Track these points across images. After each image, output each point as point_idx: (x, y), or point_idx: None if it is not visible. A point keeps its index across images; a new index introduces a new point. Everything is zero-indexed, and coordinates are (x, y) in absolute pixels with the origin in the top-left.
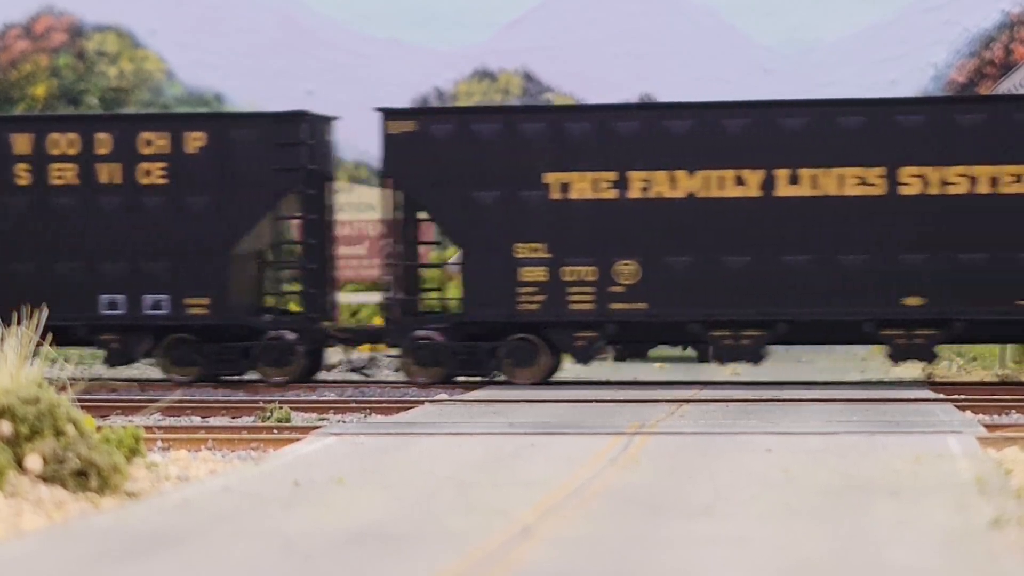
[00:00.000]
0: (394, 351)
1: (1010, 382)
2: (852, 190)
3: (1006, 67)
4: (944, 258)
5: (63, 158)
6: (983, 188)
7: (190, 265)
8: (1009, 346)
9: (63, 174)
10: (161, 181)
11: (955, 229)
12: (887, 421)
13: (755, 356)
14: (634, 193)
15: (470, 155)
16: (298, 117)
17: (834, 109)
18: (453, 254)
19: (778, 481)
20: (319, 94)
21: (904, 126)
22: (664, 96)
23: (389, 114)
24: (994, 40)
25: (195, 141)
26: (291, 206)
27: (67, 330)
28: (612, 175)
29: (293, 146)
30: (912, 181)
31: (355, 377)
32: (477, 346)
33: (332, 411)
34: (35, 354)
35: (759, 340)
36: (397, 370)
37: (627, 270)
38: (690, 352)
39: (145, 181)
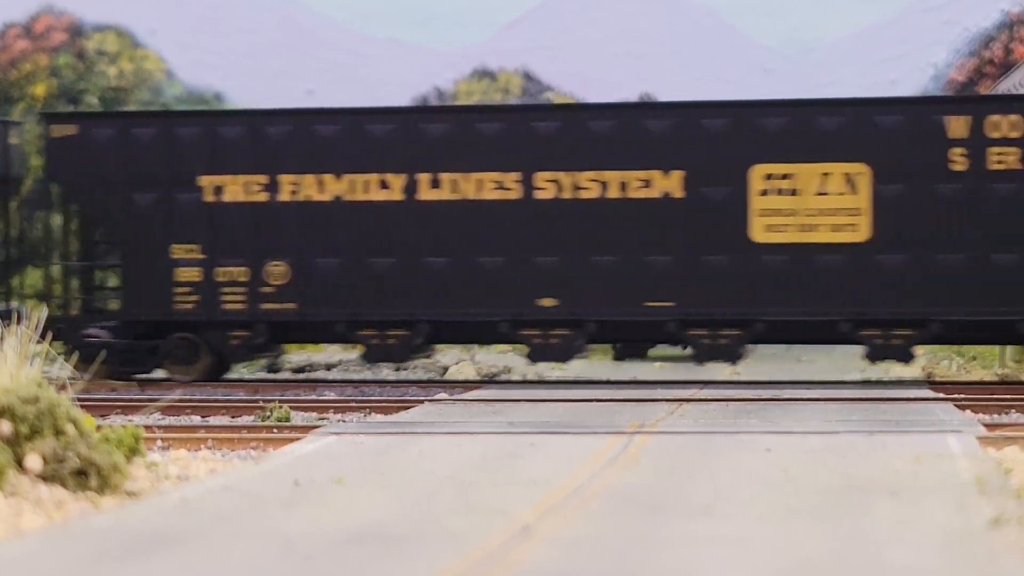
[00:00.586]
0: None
1: (1010, 381)
2: (490, 194)
3: (1006, 67)
4: (576, 260)
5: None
6: (613, 193)
7: None
8: (1009, 346)
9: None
10: None
11: (587, 232)
12: (887, 421)
13: (402, 355)
14: (284, 196)
15: (129, 158)
16: None
17: (472, 116)
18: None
19: (778, 481)
20: (319, 94)
21: (539, 132)
22: (664, 96)
23: (51, 118)
24: (994, 40)
25: None
26: None
27: None
28: (263, 178)
29: None
30: (546, 186)
31: (355, 376)
32: (137, 344)
33: (332, 410)
34: (35, 354)
35: (405, 340)
36: (397, 369)
37: (277, 271)
38: (690, 352)
39: None
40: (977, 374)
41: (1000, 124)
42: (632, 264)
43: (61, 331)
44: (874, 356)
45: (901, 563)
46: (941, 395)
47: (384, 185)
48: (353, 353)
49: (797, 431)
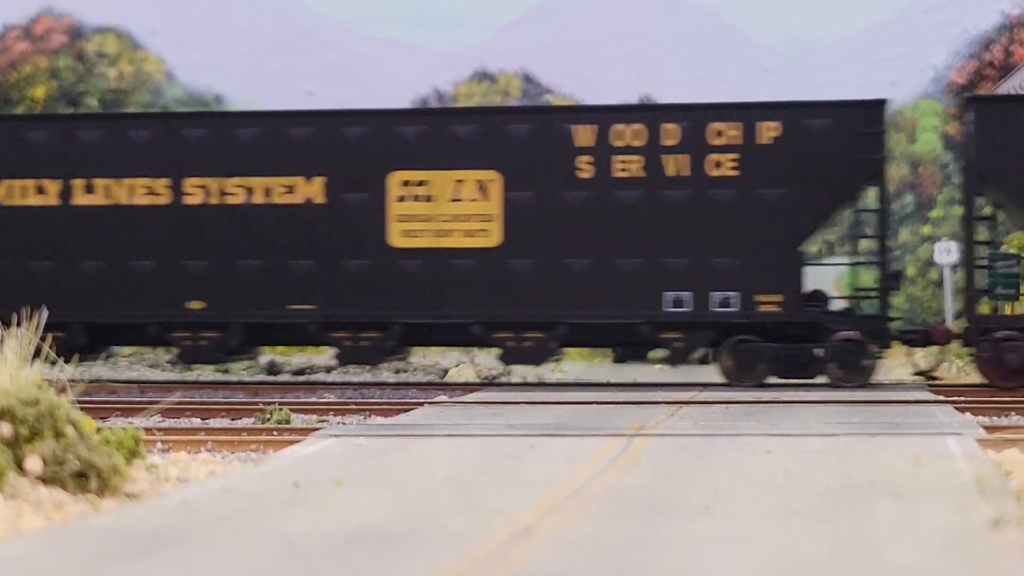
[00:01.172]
0: None
1: None
2: (141, 199)
3: (1006, 69)
4: (223, 264)
5: None
6: (258, 198)
7: None
8: None
9: None
10: None
11: (234, 237)
12: (887, 423)
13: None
14: None
15: None
16: None
17: (123, 123)
18: None
19: (778, 482)
20: (319, 94)
21: (189, 139)
22: (663, 96)
23: None
24: (994, 42)
25: None
26: None
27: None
28: None
29: None
30: (195, 191)
31: (355, 379)
32: None
33: (332, 412)
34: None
35: (64, 341)
36: (397, 371)
37: None
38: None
39: None
40: (977, 376)
41: (624, 133)
42: (276, 268)
43: None
44: (507, 359)
45: (901, 563)
46: (941, 397)
47: (41, 191)
48: None
49: (797, 433)
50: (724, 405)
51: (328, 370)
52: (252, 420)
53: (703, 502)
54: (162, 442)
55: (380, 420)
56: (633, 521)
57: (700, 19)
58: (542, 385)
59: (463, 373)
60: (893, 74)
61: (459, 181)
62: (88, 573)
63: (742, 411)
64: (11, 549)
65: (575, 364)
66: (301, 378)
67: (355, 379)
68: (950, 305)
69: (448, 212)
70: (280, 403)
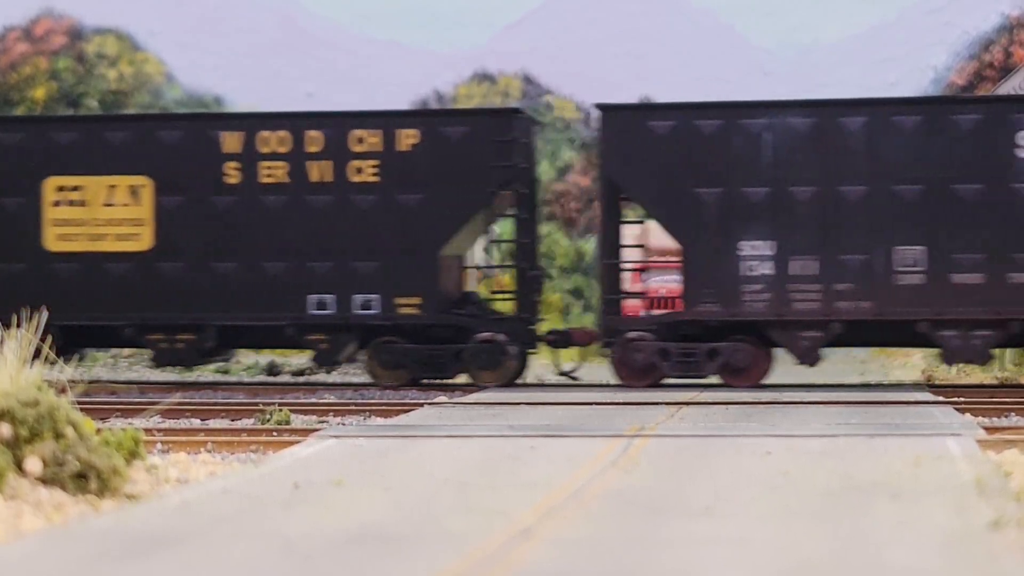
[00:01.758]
0: None
1: (1009, 384)
2: None
3: (1005, 70)
4: None
5: None
6: None
7: None
8: (1008, 349)
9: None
10: None
11: None
12: (887, 423)
13: None
14: None
15: None
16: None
17: None
18: None
19: (778, 483)
20: (319, 95)
21: None
22: (664, 96)
23: None
24: (993, 43)
25: None
26: None
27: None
28: None
29: None
30: None
31: (355, 380)
32: None
33: (331, 413)
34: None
35: None
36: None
37: None
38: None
39: None
40: (977, 377)
41: (270, 140)
42: None
43: None
44: (160, 360)
45: (901, 564)
46: (940, 398)
47: None
48: None
49: (797, 434)
50: (724, 406)
51: (328, 371)
52: (252, 421)
53: (703, 503)
54: (162, 443)
55: (380, 421)
56: (633, 522)
57: (700, 19)
58: (542, 386)
59: (463, 374)
60: (892, 75)
61: (112, 186)
62: (88, 574)
63: (742, 412)
64: (11, 550)
65: (575, 364)
66: (301, 379)
67: (355, 380)
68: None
69: (102, 217)
70: (280, 404)
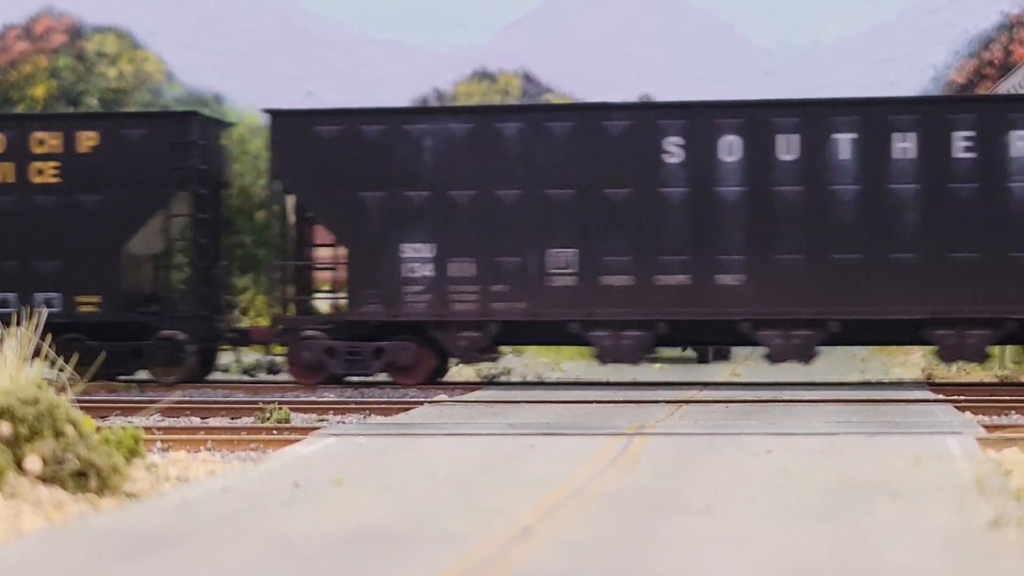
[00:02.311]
0: None
1: (1009, 383)
2: None
3: (1005, 68)
4: None
5: None
6: None
7: None
8: (1009, 347)
9: None
10: None
11: None
12: (887, 422)
13: None
14: None
15: None
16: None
17: None
18: None
19: (778, 482)
20: (319, 95)
21: None
22: (665, 95)
23: None
24: (993, 41)
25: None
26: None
27: None
28: None
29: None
30: None
31: (354, 378)
32: None
33: (331, 412)
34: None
35: None
36: None
37: None
38: (690, 353)
39: None
40: (977, 375)
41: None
42: None
43: None
44: None
45: (901, 564)
46: (941, 396)
47: None
48: None
49: (797, 432)
50: (724, 404)
51: None
52: (252, 419)
53: (703, 502)
54: (162, 441)
55: (380, 419)
56: (633, 521)
57: (700, 20)
58: (542, 384)
59: (463, 372)
60: (893, 75)
61: None
62: (88, 574)
63: (742, 410)
64: (10, 550)
65: (575, 363)
66: None
67: (354, 378)
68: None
69: None
70: (280, 402)
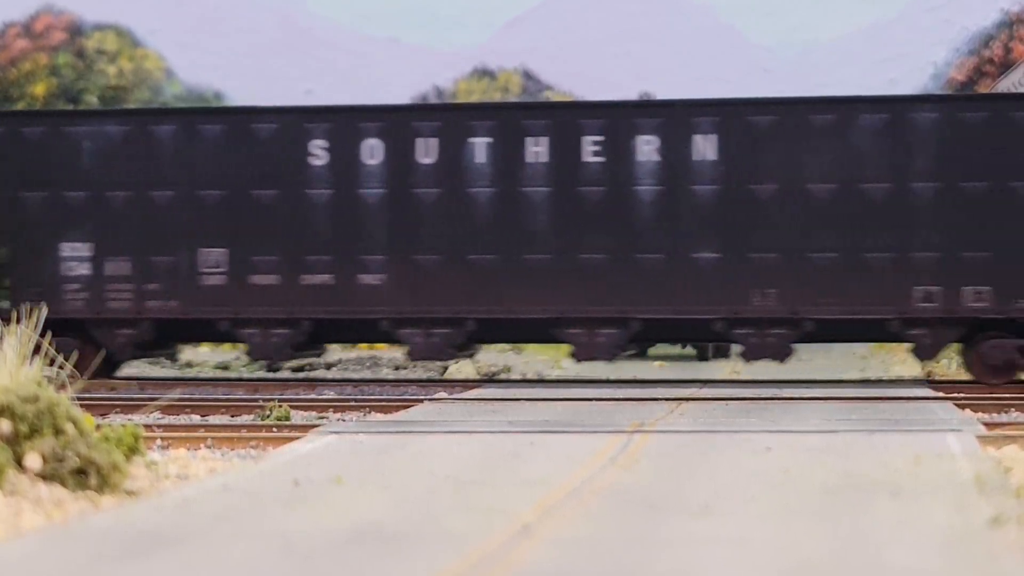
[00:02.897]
0: None
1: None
2: None
3: (1005, 66)
4: None
5: None
6: None
7: None
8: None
9: None
10: None
11: None
12: (887, 420)
13: None
14: None
15: None
16: None
17: None
18: None
19: (778, 480)
20: (319, 94)
21: None
22: (664, 95)
23: None
24: (993, 39)
25: None
26: None
27: None
28: None
29: None
30: None
31: (355, 376)
32: None
33: (331, 409)
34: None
35: None
36: (397, 368)
37: None
38: (690, 351)
39: None
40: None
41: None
42: None
43: None
44: None
45: (901, 563)
46: (941, 394)
47: None
48: (353, 352)
49: (797, 430)
50: (724, 402)
51: (328, 367)
52: (252, 417)
53: (703, 501)
54: (162, 439)
55: (380, 417)
56: (633, 520)
57: (700, 19)
58: (542, 382)
59: (463, 370)
60: (893, 73)
61: None
62: (87, 573)
63: (742, 408)
64: (10, 548)
65: (572, 363)
66: (301, 375)
67: (355, 376)
68: None
69: None
70: (280, 400)
